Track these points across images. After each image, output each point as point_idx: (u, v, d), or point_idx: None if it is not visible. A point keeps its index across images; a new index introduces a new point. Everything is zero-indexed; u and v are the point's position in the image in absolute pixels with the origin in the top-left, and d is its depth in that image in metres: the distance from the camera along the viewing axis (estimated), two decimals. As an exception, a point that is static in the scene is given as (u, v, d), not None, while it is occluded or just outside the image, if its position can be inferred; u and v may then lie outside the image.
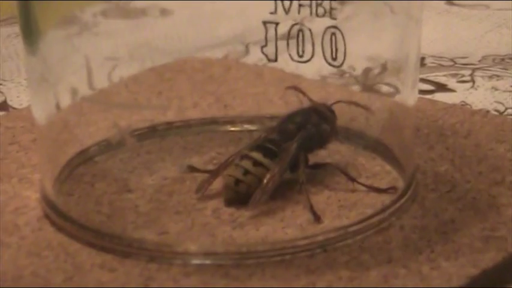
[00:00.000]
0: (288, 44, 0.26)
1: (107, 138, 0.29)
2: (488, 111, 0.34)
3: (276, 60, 0.26)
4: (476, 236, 0.25)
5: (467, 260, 0.24)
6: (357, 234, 0.25)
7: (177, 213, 0.26)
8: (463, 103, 0.36)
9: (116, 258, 0.24)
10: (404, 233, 0.25)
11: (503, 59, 0.40)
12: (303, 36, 0.26)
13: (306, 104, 0.29)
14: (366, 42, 0.28)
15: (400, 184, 0.27)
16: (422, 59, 0.40)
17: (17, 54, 0.41)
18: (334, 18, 0.26)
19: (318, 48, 0.26)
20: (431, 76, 0.38)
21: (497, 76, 0.38)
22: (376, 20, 0.28)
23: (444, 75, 0.38)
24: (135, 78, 0.31)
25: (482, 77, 0.38)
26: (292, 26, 0.26)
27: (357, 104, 0.28)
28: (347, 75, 0.29)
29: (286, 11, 0.26)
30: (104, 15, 0.29)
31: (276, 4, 0.26)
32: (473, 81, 0.37)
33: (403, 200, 0.26)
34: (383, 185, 0.27)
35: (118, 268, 0.24)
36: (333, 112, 0.28)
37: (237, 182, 0.26)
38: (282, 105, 0.31)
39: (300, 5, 0.26)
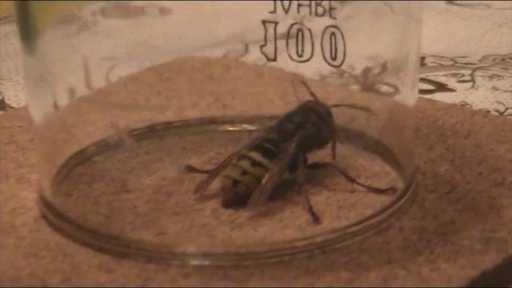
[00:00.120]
0: (287, 43, 0.26)
1: (105, 138, 0.29)
2: (488, 112, 0.34)
3: (275, 59, 0.26)
4: (476, 238, 0.25)
5: (467, 262, 0.24)
6: (356, 235, 0.25)
7: (176, 213, 0.26)
8: (463, 103, 0.35)
9: (114, 259, 0.24)
10: (404, 234, 0.25)
11: (503, 59, 0.40)
12: (302, 35, 0.26)
13: (303, 100, 0.28)
14: (366, 42, 0.28)
15: (400, 185, 0.27)
16: (423, 58, 0.40)
17: (15, 53, 0.40)
18: (334, 18, 0.26)
19: (318, 48, 0.26)
20: (432, 76, 0.38)
21: (498, 76, 0.38)
22: (376, 20, 0.27)
23: (444, 75, 0.38)
24: (134, 78, 0.31)
25: (482, 76, 0.38)
26: (292, 25, 0.26)
27: (356, 107, 0.28)
28: (346, 74, 0.29)
29: (286, 11, 0.26)
30: (103, 14, 0.28)
31: (275, 3, 0.26)
32: (473, 81, 0.37)
33: (402, 201, 0.26)
34: (382, 185, 0.27)
35: (116, 269, 0.24)
36: (329, 113, 0.28)
37: (235, 182, 0.26)
38: (281, 105, 0.31)
39: (299, 5, 0.26)
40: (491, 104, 0.35)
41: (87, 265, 0.24)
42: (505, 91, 0.36)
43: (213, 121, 0.31)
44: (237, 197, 0.26)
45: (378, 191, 0.27)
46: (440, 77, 0.38)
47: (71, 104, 0.28)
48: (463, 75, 0.38)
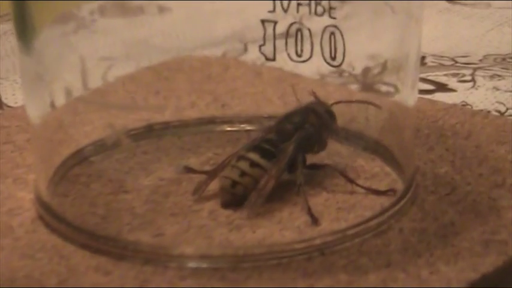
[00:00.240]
0: (286, 43, 0.26)
1: (102, 138, 0.29)
2: (489, 112, 0.34)
3: (274, 59, 0.26)
4: (476, 240, 0.25)
5: (467, 264, 0.24)
6: (355, 237, 0.25)
7: (173, 215, 0.26)
8: (463, 103, 0.35)
9: (111, 260, 0.24)
10: (404, 236, 0.25)
11: (504, 59, 0.39)
12: (301, 35, 0.26)
13: (303, 102, 0.28)
14: (366, 41, 0.27)
15: (400, 186, 0.27)
16: (423, 58, 0.39)
17: (13, 51, 0.40)
18: (333, 17, 0.25)
19: (317, 48, 0.26)
20: (432, 76, 0.38)
21: (499, 76, 0.37)
22: (376, 19, 0.27)
23: (445, 75, 0.38)
24: (132, 77, 0.31)
25: (483, 76, 0.37)
26: (291, 24, 0.26)
27: (359, 102, 0.28)
28: (346, 74, 0.29)
29: (285, 10, 0.26)
30: (101, 13, 0.28)
31: (274, 3, 0.25)
32: (474, 81, 0.37)
33: (402, 203, 0.26)
34: (382, 186, 0.27)
35: (113, 271, 0.24)
36: (331, 112, 0.28)
37: (234, 184, 0.26)
38: (280, 105, 0.31)
39: (298, 4, 0.25)
40: (492, 104, 0.35)
41: (84, 267, 0.24)
42: (505, 91, 0.36)
43: (211, 121, 0.31)
44: (235, 198, 0.26)
45: (378, 192, 0.27)
46: (441, 76, 0.38)
47: (68, 104, 0.28)
48: (464, 75, 0.38)
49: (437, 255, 0.24)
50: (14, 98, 0.36)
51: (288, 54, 0.26)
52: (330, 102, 0.28)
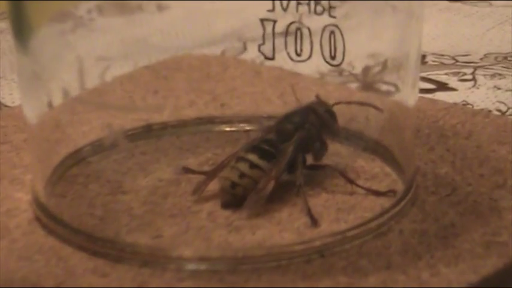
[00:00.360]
0: (285, 42, 0.26)
1: (100, 138, 0.28)
2: (490, 111, 0.34)
3: (273, 58, 0.26)
4: (477, 241, 0.24)
5: (468, 266, 0.23)
6: (355, 238, 0.24)
7: (172, 216, 0.26)
8: (464, 102, 0.35)
9: (109, 262, 0.24)
10: (404, 238, 0.25)
11: (505, 57, 0.39)
12: (301, 34, 0.26)
13: (304, 102, 0.28)
14: (366, 40, 0.27)
15: (400, 187, 0.27)
16: (423, 56, 0.39)
17: (11, 50, 0.40)
18: (333, 16, 0.25)
19: (317, 47, 0.26)
20: (433, 74, 0.38)
21: (499, 75, 0.37)
22: (376, 17, 0.27)
23: (445, 74, 0.38)
24: (130, 76, 0.31)
25: (484, 75, 0.37)
26: (290, 24, 0.26)
27: (360, 103, 0.28)
28: (346, 73, 0.29)
29: (284, 9, 0.25)
30: (99, 11, 0.28)
31: (273, 2, 0.25)
32: (475, 80, 0.37)
33: (402, 204, 0.26)
34: (382, 187, 0.27)
35: (110, 273, 0.23)
36: (332, 112, 0.28)
37: (233, 185, 0.26)
38: (280, 104, 0.31)
39: (298, 3, 0.25)
40: (493, 104, 0.35)
41: (82, 269, 0.24)
42: (506, 90, 0.36)
43: (210, 121, 0.30)
44: (235, 199, 0.26)
45: (378, 193, 0.26)
46: (441, 75, 0.38)
47: (66, 103, 0.28)
48: (465, 74, 0.37)
49: (438, 256, 0.24)
50: (12, 97, 0.36)
51: (288, 54, 0.26)
52: (331, 102, 0.28)
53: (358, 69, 0.29)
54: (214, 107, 0.31)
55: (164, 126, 0.30)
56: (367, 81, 0.29)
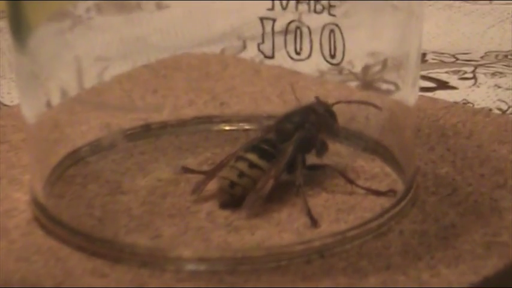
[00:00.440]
0: (285, 41, 0.26)
1: (99, 138, 0.28)
2: (490, 110, 0.34)
3: (273, 57, 0.26)
4: (478, 242, 0.24)
5: (468, 267, 0.23)
6: (355, 239, 0.24)
7: (171, 216, 0.25)
8: (464, 101, 0.35)
9: (108, 263, 0.24)
10: (404, 238, 0.25)
11: (506, 56, 0.39)
12: (300, 33, 0.26)
13: (304, 102, 0.28)
14: (366, 39, 0.27)
15: (400, 187, 0.27)
16: (424, 55, 0.39)
17: (9, 49, 0.40)
18: (333, 15, 0.25)
19: (316, 45, 0.26)
20: (433, 73, 0.38)
21: (500, 73, 0.37)
22: (376, 16, 0.27)
23: (446, 72, 0.38)
24: (129, 76, 0.30)
25: (484, 74, 0.37)
26: (290, 22, 0.26)
27: (360, 102, 0.28)
28: (346, 71, 0.29)
29: (284, 8, 0.25)
30: (98, 10, 0.28)
31: (273, 1, 0.25)
32: (475, 78, 0.37)
33: (402, 204, 0.26)
34: (382, 187, 0.27)
35: (109, 274, 0.23)
36: (332, 112, 0.28)
37: (232, 184, 0.26)
38: (279, 103, 0.30)
39: (297, 2, 0.25)
40: (494, 102, 0.35)
41: (80, 270, 0.23)
42: (507, 89, 0.36)
43: (209, 120, 0.30)
44: (234, 199, 0.26)
45: (378, 193, 0.26)
46: (442, 74, 0.37)
47: (64, 103, 0.28)
48: (465, 72, 0.37)
49: (438, 257, 0.24)
50: (10, 96, 0.36)
51: (287, 52, 0.26)
52: (330, 101, 0.28)
53: (358, 68, 0.28)
54: (213, 106, 0.31)
55: (163, 126, 0.30)
56: (367, 80, 0.29)
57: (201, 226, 0.25)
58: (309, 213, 0.25)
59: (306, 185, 0.26)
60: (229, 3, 0.27)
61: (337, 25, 0.25)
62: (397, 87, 0.28)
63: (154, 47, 0.30)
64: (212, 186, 0.26)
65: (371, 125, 0.28)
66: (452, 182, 0.27)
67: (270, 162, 0.26)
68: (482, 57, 0.39)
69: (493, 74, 0.37)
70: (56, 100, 0.28)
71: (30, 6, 0.26)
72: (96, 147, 0.28)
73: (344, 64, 0.26)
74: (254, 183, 0.26)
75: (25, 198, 0.27)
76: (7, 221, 0.26)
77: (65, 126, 0.28)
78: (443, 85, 0.36)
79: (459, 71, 0.38)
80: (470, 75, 0.37)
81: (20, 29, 0.26)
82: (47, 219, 0.25)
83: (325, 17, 0.25)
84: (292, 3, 0.25)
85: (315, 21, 0.25)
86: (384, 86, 0.29)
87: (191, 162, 0.28)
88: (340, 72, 0.29)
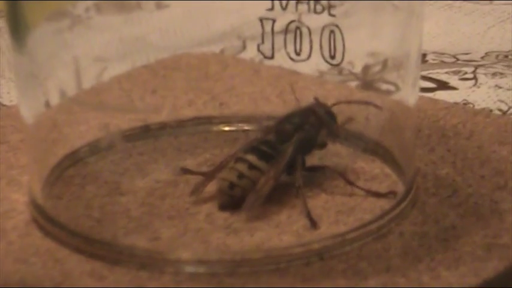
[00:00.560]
0: (285, 41, 0.26)
1: (98, 138, 0.28)
2: (491, 111, 0.34)
3: (272, 57, 0.26)
4: (478, 244, 0.24)
5: (469, 269, 0.23)
6: (355, 241, 0.24)
7: (170, 217, 0.25)
8: (465, 102, 0.35)
9: (106, 265, 0.24)
10: (404, 240, 0.24)
11: (506, 56, 0.39)
12: (300, 33, 0.26)
13: (303, 103, 0.28)
14: (366, 39, 0.27)
15: (400, 188, 0.26)
16: (424, 55, 0.39)
17: (8, 49, 0.40)
18: (333, 15, 0.25)
19: (316, 46, 0.25)
20: (433, 73, 0.37)
21: (501, 73, 0.37)
22: (376, 16, 0.27)
23: (446, 72, 0.37)
24: (128, 76, 0.30)
25: (485, 74, 0.37)
26: (290, 23, 0.26)
27: (360, 102, 0.28)
28: (346, 71, 0.29)
29: (284, 8, 0.25)
30: (97, 10, 0.28)
31: (273, 1, 0.25)
32: (475, 78, 0.37)
33: (402, 205, 0.26)
34: (382, 188, 0.26)
35: (108, 276, 0.23)
36: (332, 113, 0.27)
37: (232, 186, 0.26)
38: (279, 103, 0.30)
39: (297, 2, 0.25)
40: (494, 103, 0.35)
41: (79, 272, 0.23)
42: (508, 89, 0.36)
43: (208, 121, 0.30)
44: (233, 200, 0.26)
45: (378, 194, 0.26)
46: (442, 74, 0.37)
47: (63, 103, 0.28)
48: (466, 73, 0.37)
49: (438, 259, 0.24)
50: (9, 96, 0.36)
51: (287, 53, 0.26)
52: (330, 101, 0.28)
53: (358, 68, 0.28)
54: (213, 107, 0.31)
55: (162, 127, 0.30)
56: (367, 80, 0.29)
57: (200, 228, 0.25)
58: (309, 215, 0.25)
59: (306, 187, 0.26)
60: (229, 3, 0.27)
61: (337, 25, 0.25)
62: (397, 88, 0.28)
63: (153, 47, 0.30)
64: (211, 187, 0.26)
65: (371, 125, 0.28)
66: (453, 183, 0.27)
67: (270, 164, 0.26)
68: (482, 58, 0.39)
69: (494, 75, 0.37)
70: (54, 100, 0.28)
71: (28, 6, 0.26)
72: (95, 148, 0.28)
73: (344, 64, 0.26)
74: (253, 184, 0.25)
75: (23, 199, 0.26)
76: (5, 222, 0.25)
77: (63, 127, 0.28)
78: (443, 85, 0.36)
79: (459, 72, 0.37)
80: (471, 76, 0.37)
81: (18, 29, 0.26)
82: (45, 220, 0.25)
83: (325, 17, 0.25)
84: (292, 4, 0.25)
85: (315, 21, 0.25)
86: (384, 87, 0.29)
87: (190, 163, 0.28)
88: (340, 72, 0.29)
